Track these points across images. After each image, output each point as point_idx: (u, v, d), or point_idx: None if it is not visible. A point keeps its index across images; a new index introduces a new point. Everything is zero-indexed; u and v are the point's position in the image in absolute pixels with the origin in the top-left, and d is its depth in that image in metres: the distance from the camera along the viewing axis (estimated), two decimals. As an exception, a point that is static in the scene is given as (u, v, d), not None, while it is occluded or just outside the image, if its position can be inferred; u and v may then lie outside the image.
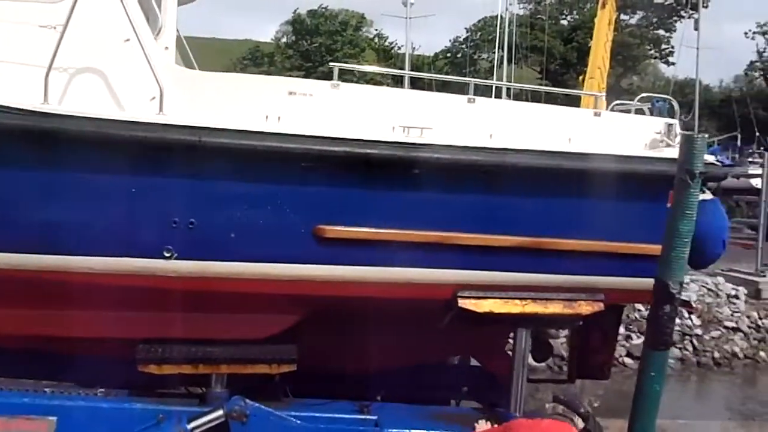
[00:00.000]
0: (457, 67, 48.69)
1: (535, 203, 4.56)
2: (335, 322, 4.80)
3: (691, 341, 13.55)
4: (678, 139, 4.65)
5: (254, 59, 44.29)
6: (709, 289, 15.18)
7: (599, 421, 4.76)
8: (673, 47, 49.04)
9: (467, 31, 50.91)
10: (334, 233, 4.33)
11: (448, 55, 51.73)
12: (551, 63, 48.35)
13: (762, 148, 31.81)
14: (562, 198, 4.59)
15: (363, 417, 4.62)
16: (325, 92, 4.53)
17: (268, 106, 4.40)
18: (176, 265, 4.24)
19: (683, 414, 11.73)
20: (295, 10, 45.32)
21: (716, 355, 13.50)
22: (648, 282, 4.44)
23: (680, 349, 13.38)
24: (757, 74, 54.11)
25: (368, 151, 4.27)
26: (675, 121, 5.04)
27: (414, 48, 55.28)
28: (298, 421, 4.46)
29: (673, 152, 4.63)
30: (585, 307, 4.83)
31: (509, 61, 45.79)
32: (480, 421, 4.45)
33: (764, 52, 52.72)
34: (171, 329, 4.50)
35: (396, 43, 50.35)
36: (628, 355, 12.98)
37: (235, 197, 4.25)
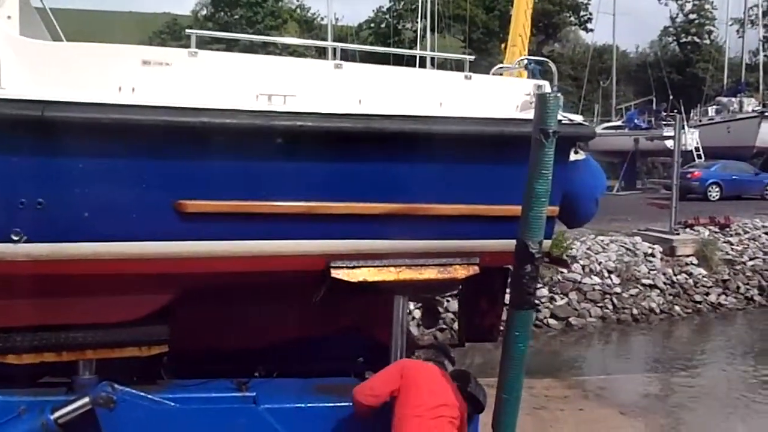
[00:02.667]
0: (382, 38, 48.48)
1: (405, 169, 4.50)
2: (213, 299, 4.74)
3: (611, 299, 14.11)
4: (561, 101, 4.72)
5: (172, 33, 42.83)
6: (627, 249, 15.82)
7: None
8: (591, 14, 50.19)
9: (390, 1, 50.68)
10: (195, 207, 4.19)
11: (372, 25, 51.41)
12: (474, 32, 48.71)
13: (675, 110, 33.12)
14: (432, 163, 4.55)
15: (241, 395, 4.53)
16: (183, 61, 4.30)
17: (121, 76, 4.16)
18: (27, 248, 4.04)
19: (607, 369, 12.30)
20: (214, -18, 44.10)
21: (635, 311, 14.12)
22: (514, 243, 4.53)
23: (601, 307, 13.93)
24: (670, 39, 56.03)
25: (227, 120, 4.13)
26: (545, 83, 5.10)
27: (337, 19, 54.87)
28: (173, 404, 4.33)
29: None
30: (461, 271, 4.80)
31: (432, 31, 45.92)
32: None
33: (676, 17, 54.60)
34: (28, 316, 4.30)
35: (318, 14, 49.77)
36: (552, 316, 13.42)
37: (86, 174, 4.04)
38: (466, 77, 4.92)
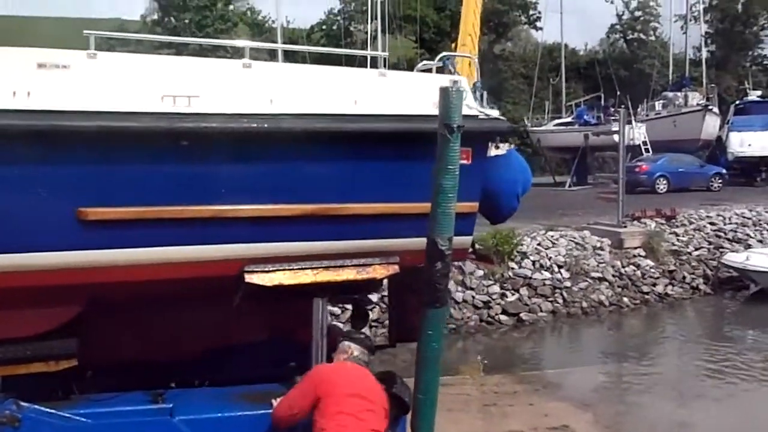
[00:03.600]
0: (333, 40, 48.25)
1: (317, 169, 4.45)
2: (127, 310, 4.59)
3: (561, 294, 14.21)
4: (464, 95, 4.71)
5: (120, 38, 41.88)
6: (576, 243, 15.96)
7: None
8: (540, 13, 50.75)
9: (341, 2, 50.53)
10: (99, 215, 4.06)
11: (324, 27, 51.14)
12: (426, 32, 48.83)
13: (622, 106, 33.70)
14: (346, 162, 4.50)
15: (156, 407, 4.39)
16: (82, 63, 4.18)
17: (16, 80, 3.99)
18: None
19: (558, 363, 12.35)
20: (160, -15, 43.24)
21: (584, 305, 14.25)
22: None
23: (551, 302, 14.02)
24: (617, 36, 57.06)
25: (127, 124, 4.01)
26: (461, 78, 5.08)
27: (288, 21, 54.41)
28: (84, 419, 4.17)
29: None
30: (380, 271, 4.77)
31: (383, 32, 45.92)
32: (277, 398, 4.36)
33: (623, 15, 55.60)
34: None
35: (269, 17, 49.22)
36: (503, 312, 13.44)
37: None
38: (381, 74, 4.85)
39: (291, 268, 4.55)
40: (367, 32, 45.07)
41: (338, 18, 50.91)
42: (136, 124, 4.02)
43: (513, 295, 13.84)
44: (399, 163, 4.58)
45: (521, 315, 13.50)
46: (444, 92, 4.18)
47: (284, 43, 45.88)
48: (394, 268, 4.82)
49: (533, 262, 14.67)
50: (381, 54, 5.24)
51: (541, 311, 13.77)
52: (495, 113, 5.18)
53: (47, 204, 3.98)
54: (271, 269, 4.49)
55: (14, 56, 4.09)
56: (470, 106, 4.79)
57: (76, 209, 4.02)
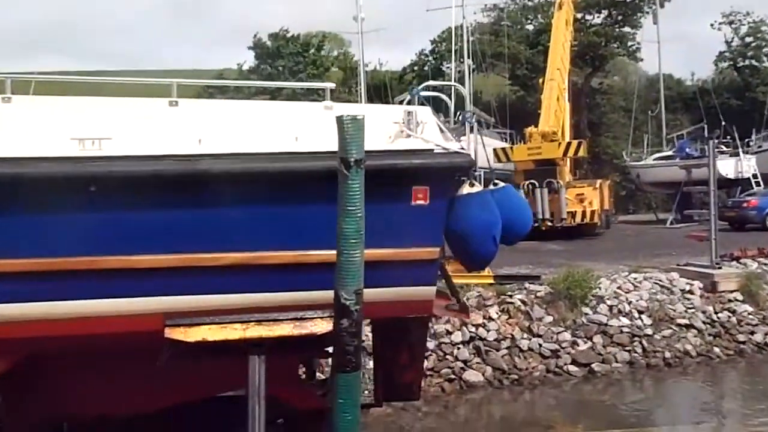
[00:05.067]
0: (426, 80, 48.44)
1: (246, 214, 4.07)
2: (66, 366, 4.30)
3: (641, 342, 12.96)
4: (420, 128, 4.19)
5: (219, 87, 43.86)
6: (662, 286, 14.64)
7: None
8: (639, 44, 48.77)
9: (432, 43, 50.73)
10: (6, 267, 3.90)
11: (415, 68, 51.47)
12: (518, 68, 48.08)
13: (728, 137, 31.40)
14: (280, 205, 4.13)
15: None
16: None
17: None
18: None
19: (645, 421, 11.14)
20: (255, 35, 45.12)
21: (667, 354, 12.91)
22: (391, 292, 3.99)
23: (629, 351, 12.80)
24: (726, 64, 53.88)
25: (28, 170, 3.81)
26: (415, 108, 4.57)
27: (381, 64, 55.20)
28: None
29: (413, 143, 4.24)
30: (321, 325, 4.33)
31: (475, 71, 45.58)
32: None
33: (732, 41, 52.52)
34: None
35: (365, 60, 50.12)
36: (573, 362, 12.39)
37: None
38: (326, 107, 4.45)
39: (216, 322, 4.15)
40: (459, 71, 44.95)
41: (429, 58, 51.10)
42: (34, 170, 3.79)
43: (585, 343, 12.75)
44: (336, 206, 4.11)
45: (593, 365, 12.38)
46: (339, 123, 3.70)
47: (376, 85, 46.61)
48: None
49: (610, 307, 13.51)
50: (328, 85, 4.82)
51: (617, 362, 12.57)
52: (455, 146, 4.62)
53: None
54: (193, 324, 4.11)
55: None
56: (426, 139, 4.28)
57: None
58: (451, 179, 4.62)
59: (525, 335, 12.52)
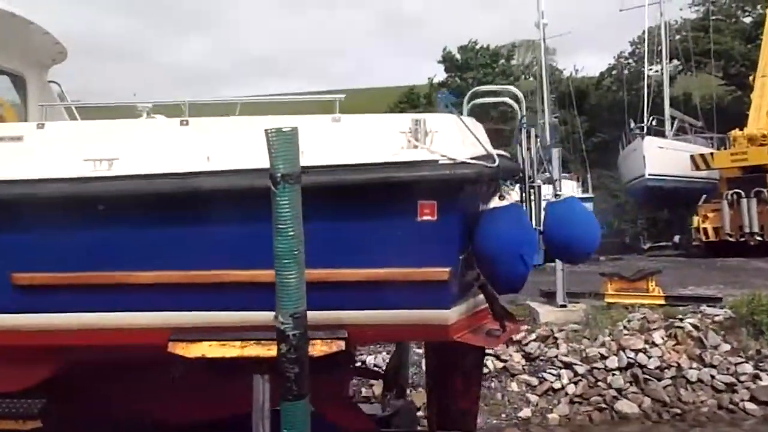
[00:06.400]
0: (625, 85, 45.48)
1: (246, 231, 3.97)
2: (104, 375, 4.48)
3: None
4: (429, 137, 3.82)
5: (410, 101, 44.93)
6: None
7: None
8: None
9: (631, 45, 47.54)
10: (29, 280, 4.18)
11: (613, 72, 48.57)
12: (732, 66, 43.46)
13: None
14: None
15: None
16: (32, 133, 4.38)
17: None
18: None
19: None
20: (445, 48, 45.48)
21: None
22: (397, 314, 3.92)
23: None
24: None
25: (44, 192, 4.09)
26: (424, 117, 4.11)
27: (576, 70, 52.90)
28: None
29: (420, 154, 3.96)
30: (320, 347, 4.16)
31: (683, 71, 41.91)
32: None
33: None
34: None
35: (557, 65, 48.40)
36: (753, 399, 10.77)
37: None
38: (334, 120, 4.23)
39: (216, 339, 4.12)
40: (660, 73, 41.74)
41: (629, 61, 48.01)
42: (50, 191, 4.16)
43: (770, 377, 11.03)
44: (347, 221, 3.90)
45: (776, 404, 10.66)
46: (266, 136, 3.44)
47: (573, 93, 44.83)
48: (339, 345, 4.21)
49: (807, 337, 11.58)
50: (337, 97, 4.56)
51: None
52: (461, 156, 4.13)
53: None
54: (194, 339, 4.13)
55: None
56: (432, 150, 3.92)
57: (10, 274, 4.21)
58: (461, 193, 4.19)
59: (694, 364, 11.16)
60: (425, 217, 3.98)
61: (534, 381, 11.11)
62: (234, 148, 4.15)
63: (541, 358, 11.49)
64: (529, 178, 4.78)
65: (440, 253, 4.05)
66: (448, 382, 5.08)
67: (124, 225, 4.15)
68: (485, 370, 11.28)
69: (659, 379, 10.98)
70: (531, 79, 48.50)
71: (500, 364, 11.37)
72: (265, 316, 4.00)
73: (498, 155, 4.55)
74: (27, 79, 6.31)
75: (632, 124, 30.62)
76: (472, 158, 4.17)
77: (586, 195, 28.94)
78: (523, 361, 11.46)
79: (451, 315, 4.29)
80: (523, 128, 4.83)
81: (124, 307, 4.26)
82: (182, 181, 4.05)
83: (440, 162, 4.07)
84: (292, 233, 3.48)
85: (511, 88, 5.06)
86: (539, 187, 4.84)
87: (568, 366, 11.24)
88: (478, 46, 45.13)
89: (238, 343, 4.22)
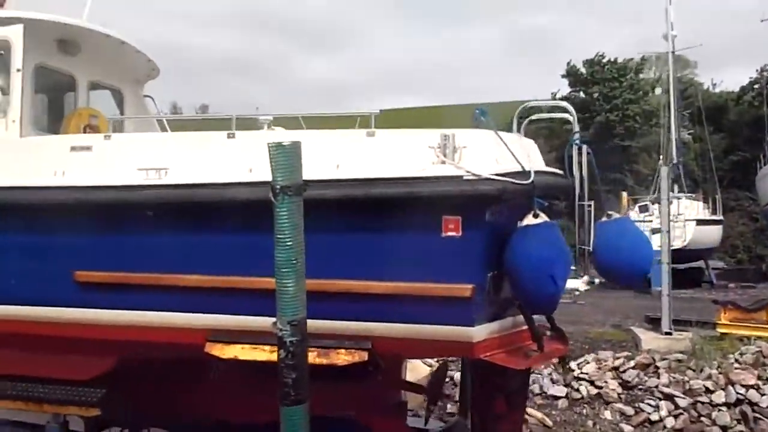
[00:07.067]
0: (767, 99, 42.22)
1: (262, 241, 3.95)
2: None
3: None
4: (458, 153, 3.80)
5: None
6: None
7: None
8: None
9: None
10: (89, 278, 4.56)
11: (755, 86, 45.17)
12: None
13: None
14: (314, 234, 3.94)
15: None
16: (100, 144, 4.80)
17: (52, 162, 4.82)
18: None
19: None
20: (569, 62, 44.31)
21: None
22: (421, 329, 3.94)
23: None
24: None
25: (103, 197, 4.48)
26: (454, 132, 4.01)
27: (714, 84, 49.76)
28: None
29: (446, 169, 4.02)
30: (343, 357, 4.23)
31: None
32: None
33: None
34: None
35: (691, 76, 45.77)
36: None
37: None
38: (368, 134, 4.28)
39: (248, 342, 4.30)
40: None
41: (774, 73, 44.52)
42: (105, 197, 4.56)
43: None
44: (376, 233, 3.96)
45: None
46: (268, 150, 3.52)
47: (707, 109, 42.24)
48: (362, 356, 4.26)
49: None
50: (372, 112, 4.58)
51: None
52: (485, 172, 4.05)
53: (49, 266, 4.77)
54: (229, 341, 4.33)
55: (51, 142, 4.98)
56: (459, 165, 3.91)
57: (73, 271, 4.68)
58: (487, 209, 4.12)
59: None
60: (450, 233, 3.99)
61: (630, 410, 10.52)
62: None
63: (640, 387, 10.86)
64: (581, 196, 4.61)
65: (464, 269, 4.03)
66: (490, 404, 4.97)
67: (168, 230, 4.46)
68: (578, 396, 10.89)
69: (771, 419, 10.06)
70: (660, 92, 46.24)
71: (594, 390, 10.87)
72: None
73: (541, 172, 4.44)
74: (124, 94, 6.90)
75: (770, 142, 28.37)
76: (502, 174, 4.10)
77: (713, 217, 27.07)
78: (620, 389, 10.88)
79: (477, 332, 4.22)
80: (575, 144, 4.67)
81: (168, 307, 4.57)
82: (223, 191, 4.29)
83: (464, 178, 4.05)
84: (290, 243, 3.59)
85: (563, 103, 4.87)
86: (589, 206, 4.65)
87: (668, 397, 10.54)
88: (605, 60, 43.60)
89: (267, 347, 4.35)
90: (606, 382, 10.96)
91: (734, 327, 12.05)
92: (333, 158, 4.28)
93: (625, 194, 27.37)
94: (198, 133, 5.19)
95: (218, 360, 4.49)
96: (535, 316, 4.77)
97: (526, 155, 4.47)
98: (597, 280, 10.52)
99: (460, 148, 4.08)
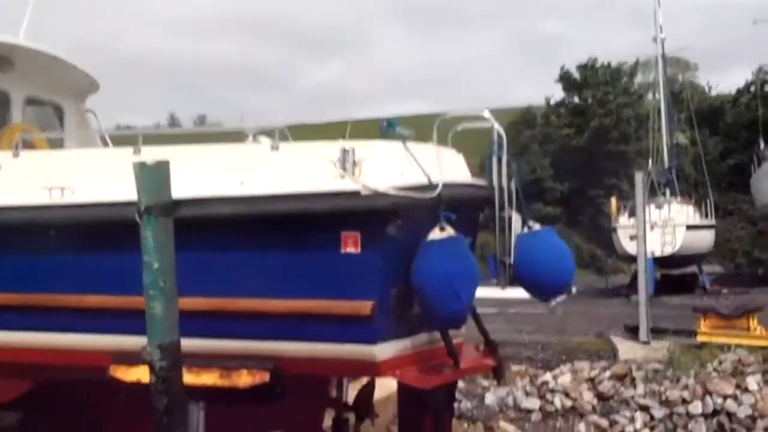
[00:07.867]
0: (761, 101, 41.97)
1: (185, 259, 3.85)
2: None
3: None
4: (357, 167, 3.68)
5: (526, 122, 43.86)
6: None
7: None
8: None
9: (771, 59, 43.89)
10: None
11: (750, 89, 44.89)
12: None
13: None
14: (212, 252, 3.98)
15: None
16: (9, 163, 4.70)
17: None
18: None
19: None
20: (563, 67, 44.07)
21: None
22: (323, 348, 3.90)
23: None
24: None
25: (4, 216, 4.44)
26: (354, 145, 3.90)
27: (710, 87, 49.56)
28: None
29: (344, 184, 3.91)
30: (245, 378, 4.12)
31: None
32: None
33: None
34: None
35: (684, 84, 45.41)
36: None
37: None
38: (272, 148, 4.16)
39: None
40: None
41: (768, 77, 44.27)
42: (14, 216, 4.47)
43: None
44: (275, 251, 3.89)
45: None
46: (133, 170, 3.42)
47: (703, 111, 42.05)
48: (263, 376, 4.14)
49: None
50: (277, 126, 4.46)
51: None
52: (378, 186, 3.92)
53: None
54: (132, 363, 4.22)
55: None
56: (357, 180, 3.79)
57: None
58: (386, 224, 3.99)
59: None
60: (349, 249, 3.92)
61: (604, 423, 10.31)
62: (177, 176, 4.18)
63: (615, 398, 10.64)
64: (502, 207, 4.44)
65: (364, 286, 3.93)
66: (416, 422, 4.86)
67: (71, 250, 4.42)
68: (552, 408, 10.66)
69: (749, 430, 9.82)
70: (658, 96, 46.04)
71: (569, 403, 10.65)
72: (189, 344, 3.99)
73: (455, 184, 4.31)
74: (64, 109, 6.80)
75: (762, 145, 28.07)
76: (405, 188, 3.95)
77: (704, 222, 26.75)
78: (595, 401, 10.68)
79: (380, 351, 4.11)
80: (493, 155, 4.52)
81: (73, 329, 4.53)
82: (124, 210, 4.16)
83: (362, 193, 3.92)
84: (156, 266, 3.48)
85: (486, 113, 4.67)
86: (509, 217, 4.47)
87: (644, 408, 10.33)
88: (598, 64, 43.40)
89: None
90: (581, 393, 10.74)
91: (714, 335, 11.81)
92: (237, 174, 4.21)
93: (614, 200, 27.22)
94: (105, 150, 5.11)
95: (121, 383, 4.37)
96: (462, 330, 4.67)
97: (439, 167, 4.29)
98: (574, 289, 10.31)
99: (360, 162, 3.97)
